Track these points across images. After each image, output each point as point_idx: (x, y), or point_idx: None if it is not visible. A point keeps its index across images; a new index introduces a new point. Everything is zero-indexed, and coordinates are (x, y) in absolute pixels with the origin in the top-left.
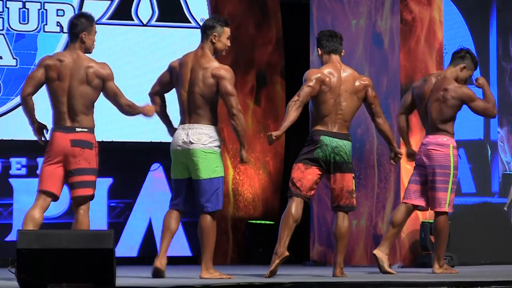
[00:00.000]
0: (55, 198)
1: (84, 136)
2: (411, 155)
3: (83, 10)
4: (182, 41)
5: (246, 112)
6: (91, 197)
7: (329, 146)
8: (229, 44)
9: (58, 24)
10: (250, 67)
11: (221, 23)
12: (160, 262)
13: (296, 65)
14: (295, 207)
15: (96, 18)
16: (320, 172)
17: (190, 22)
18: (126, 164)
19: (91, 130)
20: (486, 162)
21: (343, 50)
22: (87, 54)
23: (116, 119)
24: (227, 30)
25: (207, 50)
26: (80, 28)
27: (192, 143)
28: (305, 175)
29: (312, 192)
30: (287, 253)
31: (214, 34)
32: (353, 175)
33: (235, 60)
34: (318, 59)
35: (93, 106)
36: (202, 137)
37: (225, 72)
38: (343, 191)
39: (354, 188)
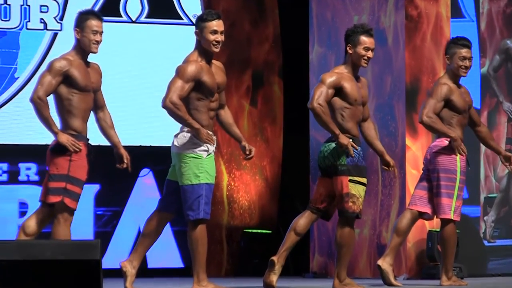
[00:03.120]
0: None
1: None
2: (507, 158)
3: (68, 5)
4: (173, 39)
5: (242, 114)
6: (64, 206)
7: (321, 152)
8: (215, 39)
9: (42, 21)
10: (246, 67)
11: (202, 18)
12: (127, 264)
13: (294, 64)
14: (300, 217)
15: None
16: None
17: (182, 19)
18: (113, 169)
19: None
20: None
21: None
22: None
23: None
24: (210, 25)
25: (195, 50)
26: (74, 24)
27: (176, 146)
28: (317, 186)
29: (324, 204)
30: (273, 259)
31: (196, 31)
32: (349, 177)
33: (230, 59)
34: (319, 57)
35: (65, 107)
36: (185, 140)
37: (178, 66)
38: (337, 195)
39: (351, 192)
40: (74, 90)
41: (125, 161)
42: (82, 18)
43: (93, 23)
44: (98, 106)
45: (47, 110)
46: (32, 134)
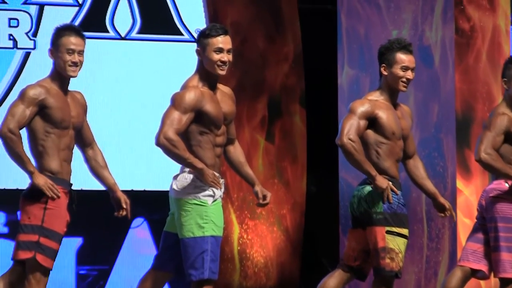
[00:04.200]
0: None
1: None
2: None
3: (43, 18)
4: (171, 59)
5: (256, 150)
6: (37, 264)
7: (353, 197)
8: (220, 59)
9: (11, 37)
10: (260, 92)
11: (204, 33)
12: None
13: (319, 90)
14: (329, 278)
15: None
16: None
17: (182, 34)
18: (99, 219)
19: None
20: None
21: None
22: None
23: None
24: (214, 41)
25: (196, 73)
26: (50, 43)
27: (175, 190)
28: (348, 239)
29: (357, 261)
30: None
31: (197, 49)
32: (386, 228)
33: (241, 83)
34: (350, 81)
35: (38, 145)
36: (186, 183)
37: (174, 94)
38: (372, 250)
39: (389, 246)
40: (49, 125)
41: (124, 206)
42: (57, 35)
43: (70, 40)
44: (85, 143)
45: (20, 145)
46: (1, 176)
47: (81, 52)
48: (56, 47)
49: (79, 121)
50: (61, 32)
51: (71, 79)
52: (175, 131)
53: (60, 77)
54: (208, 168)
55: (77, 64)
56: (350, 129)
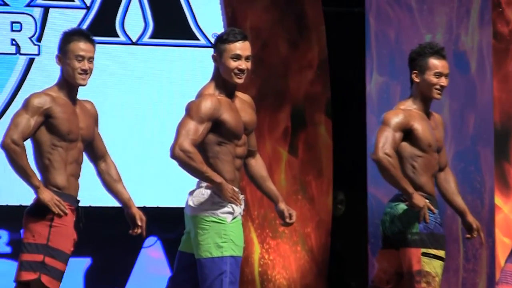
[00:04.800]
0: None
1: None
2: None
3: (48, 22)
4: (185, 65)
5: (278, 164)
6: (42, 286)
7: (385, 215)
8: (238, 66)
9: (14, 42)
10: (282, 102)
11: (221, 39)
12: None
13: (346, 99)
14: None
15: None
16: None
17: (198, 39)
18: (109, 237)
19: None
20: None
21: None
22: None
23: (95, 176)
24: (232, 47)
25: (212, 80)
26: (57, 49)
27: (191, 207)
28: (379, 260)
29: (390, 285)
30: None
31: (213, 55)
32: (422, 250)
33: (262, 92)
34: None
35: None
36: (202, 199)
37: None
38: (406, 273)
39: (424, 269)
40: (56, 138)
41: (139, 223)
42: (65, 40)
43: (79, 46)
44: (97, 156)
45: (24, 157)
46: (3, 192)
47: (91, 59)
48: (64, 53)
49: (88, 133)
50: (69, 37)
51: (79, 87)
52: (191, 142)
53: (68, 85)
54: (227, 182)
55: (87, 72)
56: (385, 142)
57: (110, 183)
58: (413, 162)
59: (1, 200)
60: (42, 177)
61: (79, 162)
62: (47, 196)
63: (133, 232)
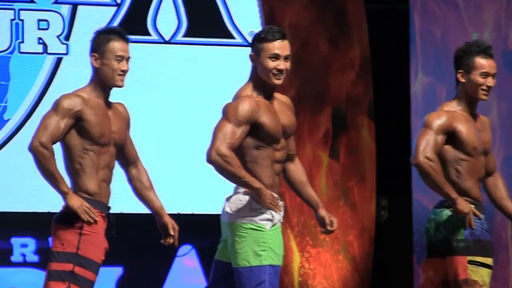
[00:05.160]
0: None
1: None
2: None
3: (77, 19)
4: (221, 65)
5: (318, 169)
6: None
7: (429, 222)
8: (276, 66)
9: (41, 41)
10: (322, 103)
11: (259, 37)
12: None
13: (390, 100)
14: None
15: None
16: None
17: (234, 38)
18: (141, 246)
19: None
20: None
21: None
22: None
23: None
24: (270, 46)
25: (249, 81)
26: (90, 48)
27: (228, 214)
28: (424, 269)
29: None
30: None
31: (251, 54)
32: (468, 258)
33: (301, 93)
34: (425, 89)
35: (74, 163)
36: (240, 205)
37: (225, 105)
38: (452, 282)
39: (471, 278)
40: (87, 142)
41: (172, 233)
42: (101, 39)
43: (117, 45)
44: (128, 161)
45: (53, 161)
46: (30, 198)
47: (128, 59)
48: (101, 53)
49: (121, 137)
50: (106, 35)
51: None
52: (228, 146)
53: (102, 86)
54: (265, 188)
55: (125, 73)
56: (426, 146)
57: (141, 190)
58: (457, 166)
59: (28, 206)
60: (71, 183)
61: (110, 168)
62: (76, 202)
63: (165, 242)
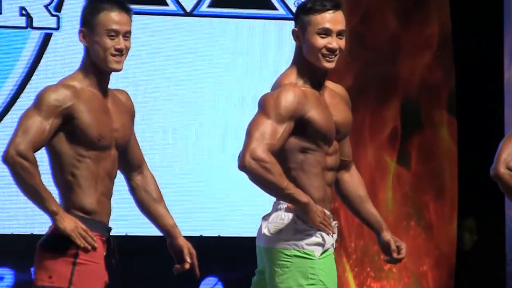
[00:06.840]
0: None
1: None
2: None
3: None
4: (257, 43)
5: (383, 179)
6: None
7: None
8: (327, 45)
9: (24, 12)
10: (389, 95)
11: (305, 8)
12: None
13: (478, 90)
14: None
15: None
16: None
17: (275, 9)
18: (153, 277)
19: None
20: None
21: None
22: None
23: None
24: (319, 19)
25: (292, 65)
26: (80, 22)
27: (266, 236)
28: None
29: None
30: None
31: (295, 29)
32: None
33: (361, 81)
34: None
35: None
36: (282, 225)
37: (263, 96)
38: None
39: None
40: (82, 146)
41: (187, 259)
42: (91, 8)
43: (112, 17)
44: (132, 166)
45: (36, 174)
46: (7, 217)
47: (127, 35)
48: (90, 27)
49: (124, 134)
50: (97, 4)
51: (112, 73)
52: (267, 148)
53: (97, 71)
54: (315, 203)
55: (123, 52)
56: (510, 153)
57: (147, 203)
58: None
59: (4, 228)
60: (62, 199)
61: (112, 177)
62: (70, 224)
63: (179, 269)
